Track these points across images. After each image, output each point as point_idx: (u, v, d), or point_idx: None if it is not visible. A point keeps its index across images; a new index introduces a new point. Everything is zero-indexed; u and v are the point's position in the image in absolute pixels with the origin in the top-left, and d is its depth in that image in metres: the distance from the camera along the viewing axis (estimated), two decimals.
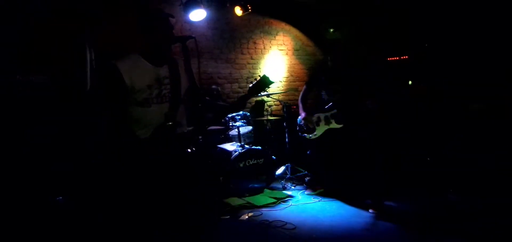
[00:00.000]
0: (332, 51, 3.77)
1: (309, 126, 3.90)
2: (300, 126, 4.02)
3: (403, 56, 5.84)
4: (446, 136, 4.62)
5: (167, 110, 2.12)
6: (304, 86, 4.13)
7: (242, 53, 5.98)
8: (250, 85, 2.38)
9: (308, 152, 4.32)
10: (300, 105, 4.04)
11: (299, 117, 4.01)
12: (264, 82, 2.36)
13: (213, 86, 5.31)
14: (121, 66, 2.03)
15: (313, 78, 4.06)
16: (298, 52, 6.65)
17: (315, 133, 3.88)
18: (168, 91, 2.13)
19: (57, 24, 4.06)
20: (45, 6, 3.97)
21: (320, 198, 4.06)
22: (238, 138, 4.50)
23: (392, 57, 5.92)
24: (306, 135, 3.98)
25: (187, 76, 2.20)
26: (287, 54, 6.50)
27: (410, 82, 3.34)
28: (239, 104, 2.41)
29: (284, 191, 4.40)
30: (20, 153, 3.11)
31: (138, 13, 2.14)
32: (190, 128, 2.28)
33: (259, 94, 5.03)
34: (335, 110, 3.69)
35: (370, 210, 3.59)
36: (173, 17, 2.23)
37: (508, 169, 3.85)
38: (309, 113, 3.92)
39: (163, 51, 2.15)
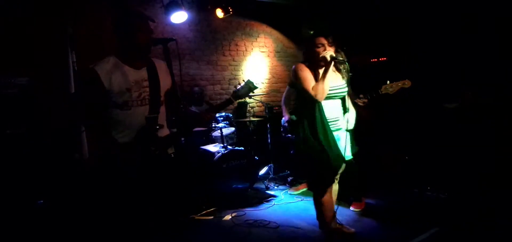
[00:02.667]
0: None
1: (293, 127, 3.94)
2: (284, 127, 4.06)
3: (381, 58, 5.98)
4: (423, 135, 4.75)
5: (147, 113, 2.12)
6: (287, 88, 4.17)
7: (224, 55, 5.99)
8: (235, 89, 2.40)
9: (291, 152, 4.37)
10: (283, 107, 4.08)
11: (283, 119, 4.05)
12: (249, 87, 2.38)
13: (195, 88, 5.30)
14: (100, 70, 2.01)
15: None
16: (279, 54, 6.71)
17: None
18: (148, 93, 2.13)
19: (38, 24, 4.00)
20: (24, 5, 3.90)
21: (303, 197, 4.12)
22: (221, 139, 4.51)
23: (371, 59, 6.05)
24: (290, 135, 4.02)
25: (168, 78, 2.21)
26: (268, 56, 6.55)
27: (388, 82, 3.41)
28: (220, 108, 2.42)
29: (267, 191, 4.43)
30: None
31: (117, 15, 2.12)
32: (173, 130, 2.29)
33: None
34: None
35: (352, 208, 3.66)
36: (153, 21, 2.23)
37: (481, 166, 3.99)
38: (292, 115, 3.97)
39: (142, 54, 2.14)
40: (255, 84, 2.38)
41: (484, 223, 3.12)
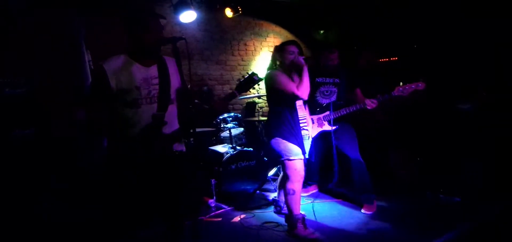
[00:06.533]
0: (324, 53, 3.76)
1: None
2: None
3: (392, 58, 5.89)
4: (436, 136, 4.66)
5: (155, 111, 2.10)
6: None
7: (233, 55, 5.96)
8: (238, 82, 2.38)
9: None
10: None
11: None
12: (252, 79, 2.36)
13: (204, 88, 5.27)
14: (108, 68, 2.02)
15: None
16: None
17: (308, 135, 3.87)
18: (157, 91, 2.11)
19: (50, 23, 4.00)
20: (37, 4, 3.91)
21: (313, 199, 4.06)
22: (230, 139, 4.47)
23: (381, 59, 5.96)
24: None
25: (177, 77, 2.19)
26: None
27: (401, 83, 3.35)
28: (225, 102, 2.39)
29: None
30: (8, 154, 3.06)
31: (128, 13, 2.11)
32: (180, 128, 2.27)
33: (249, 94, 5.04)
34: (328, 112, 3.69)
35: (363, 210, 3.60)
36: (164, 18, 2.22)
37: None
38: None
39: (152, 52, 2.13)
40: (259, 76, 2.38)
41: (499, 228, 3.03)
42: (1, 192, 2.93)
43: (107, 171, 2.21)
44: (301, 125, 3.24)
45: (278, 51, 3.15)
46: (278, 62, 3.15)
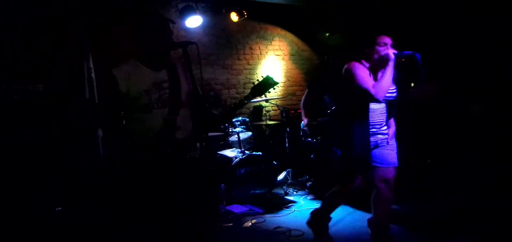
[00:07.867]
0: (333, 54, 3.74)
1: (313, 130, 3.85)
2: (303, 131, 3.98)
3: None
4: (447, 138, 4.60)
5: (167, 115, 2.07)
6: (306, 91, 4.08)
7: (239, 59, 5.94)
8: (253, 85, 2.33)
9: (311, 156, 4.26)
10: (303, 110, 3.99)
11: (302, 122, 3.97)
12: (268, 83, 2.30)
13: (211, 93, 5.24)
14: (118, 74, 2.01)
15: (315, 82, 4.01)
16: (294, 57, 6.62)
17: (318, 138, 3.83)
18: (168, 95, 2.09)
19: (54, 32, 4.02)
20: (43, 15, 3.92)
21: None
22: (238, 143, 4.44)
23: None
24: (310, 139, 3.93)
25: (188, 81, 2.16)
26: (283, 59, 6.46)
27: (412, 84, 3.29)
28: (239, 106, 2.35)
29: (286, 197, 4.33)
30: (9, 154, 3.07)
31: (138, 18, 2.09)
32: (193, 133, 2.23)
33: (259, 98, 5.01)
34: None
35: None
36: (174, 22, 2.20)
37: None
38: (312, 118, 3.88)
39: (162, 56, 2.11)
40: (274, 79, 2.30)
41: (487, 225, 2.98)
42: (1, 192, 2.93)
43: (112, 172, 2.19)
44: (378, 129, 2.69)
45: (367, 42, 2.69)
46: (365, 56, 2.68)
